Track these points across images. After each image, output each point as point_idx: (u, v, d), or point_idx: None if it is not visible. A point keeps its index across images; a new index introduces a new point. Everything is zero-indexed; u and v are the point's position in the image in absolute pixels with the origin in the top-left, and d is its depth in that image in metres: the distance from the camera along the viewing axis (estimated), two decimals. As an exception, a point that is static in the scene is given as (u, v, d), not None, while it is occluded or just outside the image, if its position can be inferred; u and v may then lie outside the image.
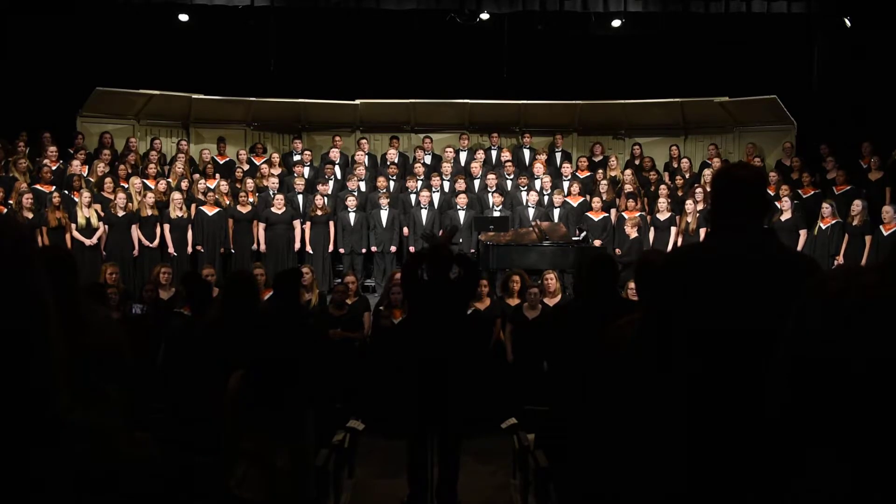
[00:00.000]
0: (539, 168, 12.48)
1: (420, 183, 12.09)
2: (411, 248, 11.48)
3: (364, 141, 13.66)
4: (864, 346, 1.36)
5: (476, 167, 12.42)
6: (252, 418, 3.61)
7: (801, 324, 1.48)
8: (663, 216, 11.18)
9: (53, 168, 11.35)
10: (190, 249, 11.04)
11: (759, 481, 2.05)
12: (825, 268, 4.68)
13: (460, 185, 11.79)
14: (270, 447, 3.57)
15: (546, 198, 11.79)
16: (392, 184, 12.19)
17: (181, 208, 11.01)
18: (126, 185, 11.17)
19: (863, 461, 1.35)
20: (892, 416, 1.33)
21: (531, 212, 11.41)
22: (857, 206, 10.44)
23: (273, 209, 11.26)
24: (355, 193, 11.70)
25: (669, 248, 10.37)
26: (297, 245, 11.38)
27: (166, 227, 10.93)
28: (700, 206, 10.92)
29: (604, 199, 11.68)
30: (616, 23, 13.35)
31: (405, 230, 11.58)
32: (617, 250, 11.00)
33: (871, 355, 1.36)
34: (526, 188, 11.82)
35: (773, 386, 1.52)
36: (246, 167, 12.81)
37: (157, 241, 10.85)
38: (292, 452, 3.64)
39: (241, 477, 3.57)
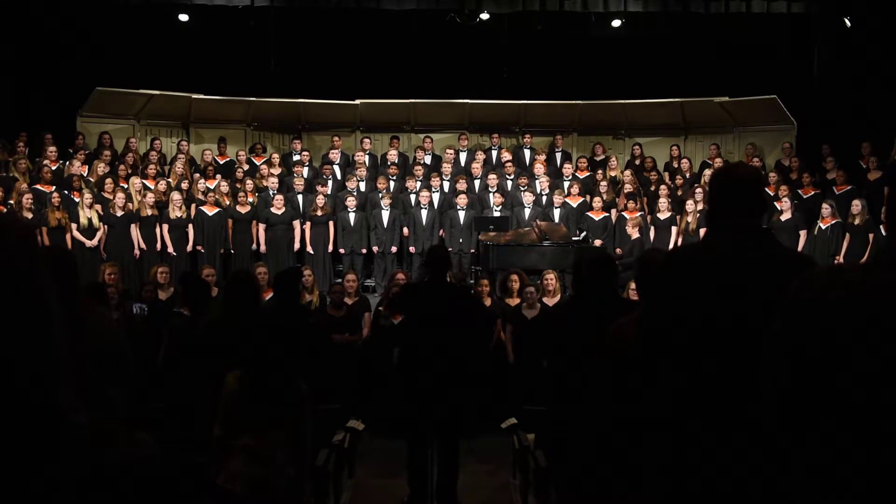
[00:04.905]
0: (539, 168, 12.48)
1: (420, 183, 12.09)
2: (411, 249, 11.49)
3: (366, 140, 13.65)
4: (850, 343, 1.37)
5: (476, 167, 12.43)
6: (251, 416, 3.61)
7: (786, 322, 1.49)
8: (664, 216, 11.19)
9: (53, 168, 11.35)
10: (189, 249, 11.05)
11: (758, 480, 2.05)
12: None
13: (461, 185, 11.79)
14: (269, 445, 3.58)
15: (546, 198, 11.79)
16: (392, 184, 12.19)
17: (181, 208, 11.01)
18: (126, 186, 11.18)
19: (854, 455, 1.35)
20: (881, 411, 1.34)
21: (531, 212, 11.41)
22: (856, 206, 10.45)
23: (273, 209, 11.26)
24: (355, 193, 11.70)
25: (670, 248, 10.37)
26: (297, 245, 11.38)
27: (165, 227, 10.93)
28: (700, 206, 10.92)
29: (604, 199, 11.68)
30: (616, 23, 13.35)
31: (405, 230, 11.58)
32: (618, 250, 11.00)
33: (856, 351, 1.36)
34: (526, 188, 11.82)
35: (764, 384, 1.53)
36: (246, 167, 12.81)
37: (158, 244, 10.85)
38: (291, 451, 3.64)
39: (233, 472, 3.57)
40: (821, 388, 1.39)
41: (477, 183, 12.24)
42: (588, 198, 11.92)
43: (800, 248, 10.25)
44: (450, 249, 11.03)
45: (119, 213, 10.65)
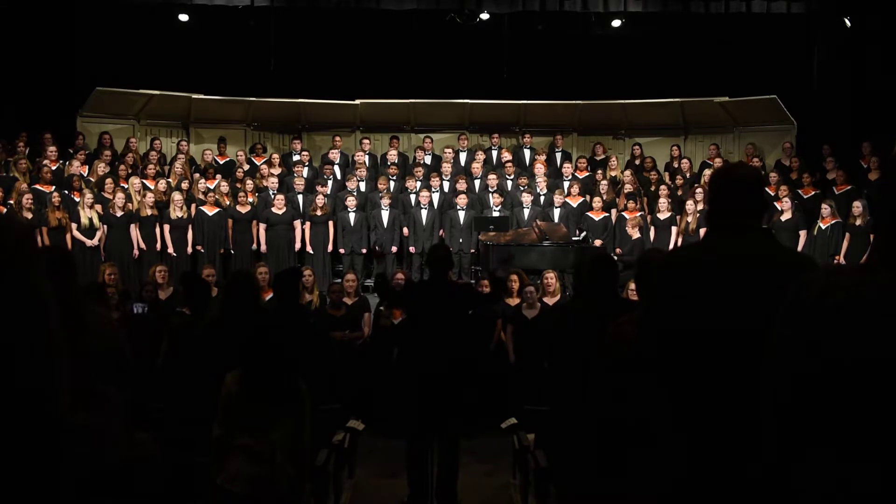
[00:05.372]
0: (539, 168, 12.48)
1: (420, 183, 12.09)
2: (411, 249, 11.49)
3: (366, 141, 13.66)
4: (849, 346, 1.37)
5: (476, 167, 12.43)
6: (250, 416, 3.61)
7: (785, 328, 1.49)
8: (664, 216, 11.19)
9: (53, 168, 11.35)
10: (190, 249, 11.05)
11: (757, 481, 2.05)
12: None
13: (461, 185, 11.79)
14: (268, 445, 3.58)
15: (546, 198, 11.79)
16: (392, 184, 12.20)
17: (181, 208, 11.01)
18: (126, 186, 11.18)
19: (860, 460, 1.35)
20: (884, 414, 1.33)
21: (531, 212, 11.41)
22: (857, 206, 10.46)
23: (273, 209, 11.26)
24: (355, 193, 11.70)
25: (670, 248, 10.37)
26: (298, 245, 11.38)
27: (166, 227, 10.94)
28: (700, 206, 10.93)
29: (604, 199, 11.68)
30: (616, 23, 13.35)
31: (405, 230, 11.58)
32: (618, 249, 11.00)
33: (856, 355, 1.36)
34: (526, 188, 11.82)
35: (764, 389, 1.53)
36: (246, 167, 12.81)
37: (158, 244, 10.86)
38: (290, 451, 3.64)
39: (233, 472, 3.57)
40: (821, 394, 1.39)
41: (477, 183, 12.24)
42: (588, 198, 11.91)
43: (799, 248, 10.25)
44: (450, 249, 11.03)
45: (119, 214, 10.65)
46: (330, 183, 12.19)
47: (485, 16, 13.20)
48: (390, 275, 8.99)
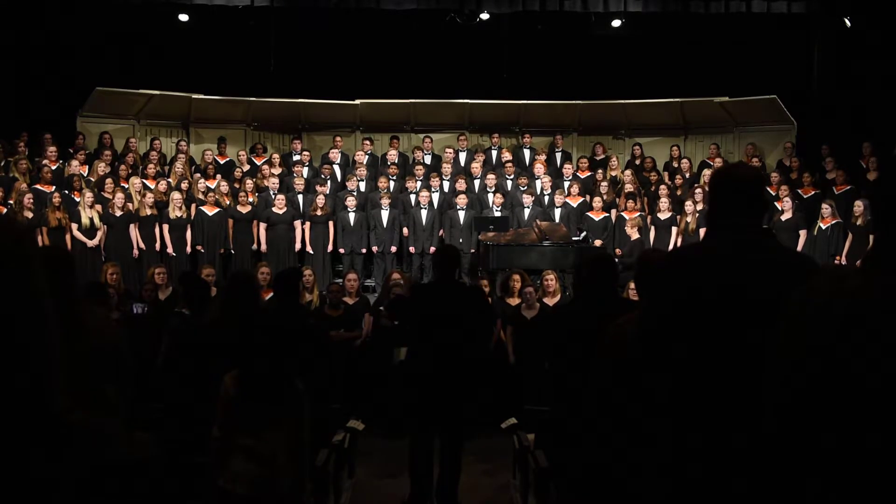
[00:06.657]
0: (539, 168, 12.48)
1: (419, 183, 12.09)
2: (411, 249, 11.48)
3: (367, 141, 13.66)
4: (857, 351, 1.37)
5: (476, 167, 12.42)
6: (250, 417, 3.61)
7: (790, 334, 1.48)
8: (664, 216, 11.18)
9: (53, 168, 11.35)
10: (189, 249, 11.05)
11: (757, 482, 2.05)
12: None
13: (461, 185, 11.78)
14: (269, 445, 3.58)
15: (546, 198, 11.78)
16: (392, 184, 12.20)
17: (181, 208, 11.01)
18: (126, 186, 11.18)
19: (861, 463, 1.35)
20: (888, 419, 1.33)
21: (531, 212, 11.41)
22: (858, 206, 10.46)
23: (274, 209, 11.26)
24: (355, 193, 11.70)
25: (670, 248, 10.37)
26: (298, 245, 11.37)
27: (165, 227, 10.93)
28: (700, 206, 10.93)
29: (604, 199, 11.68)
30: (616, 23, 13.35)
31: (405, 230, 11.58)
32: (618, 250, 10.99)
33: (863, 360, 1.36)
34: (526, 188, 11.81)
35: (768, 393, 1.53)
36: (246, 167, 12.81)
37: (157, 244, 10.86)
38: (290, 451, 3.64)
39: (234, 473, 3.57)
40: (825, 398, 1.39)
41: (477, 183, 12.24)
42: (588, 198, 11.91)
43: (799, 248, 10.26)
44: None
45: (118, 213, 10.64)
46: (329, 183, 12.19)
47: (485, 16, 13.20)
48: (387, 275, 8.98)
